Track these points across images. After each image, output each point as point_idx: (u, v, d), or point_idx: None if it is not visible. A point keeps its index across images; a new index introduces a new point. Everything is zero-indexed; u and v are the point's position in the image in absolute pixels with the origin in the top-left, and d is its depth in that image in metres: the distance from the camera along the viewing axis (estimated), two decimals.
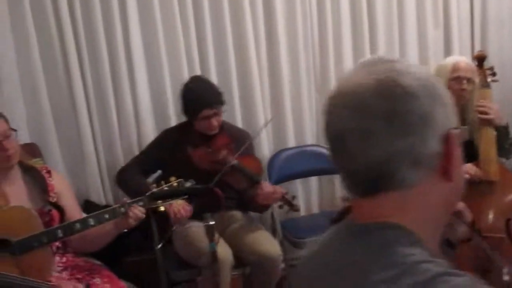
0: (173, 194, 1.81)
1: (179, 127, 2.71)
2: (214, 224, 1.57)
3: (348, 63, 3.12)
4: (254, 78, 3.00)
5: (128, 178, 2.55)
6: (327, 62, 3.12)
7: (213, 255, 1.60)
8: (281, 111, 3.08)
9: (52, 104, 2.78)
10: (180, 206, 2.36)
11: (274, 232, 2.77)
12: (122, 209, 1.96)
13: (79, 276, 1.99)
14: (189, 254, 2.41)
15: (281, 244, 2.58)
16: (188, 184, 2.07)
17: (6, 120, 1.99)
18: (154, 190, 2.03)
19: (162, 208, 2.06)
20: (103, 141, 2.88)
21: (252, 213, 2.72)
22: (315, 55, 3.13)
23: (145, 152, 2.67)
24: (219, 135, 2.56)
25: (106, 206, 2.91)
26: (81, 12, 2.73)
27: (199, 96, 2.50)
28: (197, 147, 2.51)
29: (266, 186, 2.43)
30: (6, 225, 1.82)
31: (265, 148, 3.03)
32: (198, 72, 2.94)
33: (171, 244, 2.54)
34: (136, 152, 2.88)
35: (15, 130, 2.00)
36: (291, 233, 2.72)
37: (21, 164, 2.06)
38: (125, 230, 2.05)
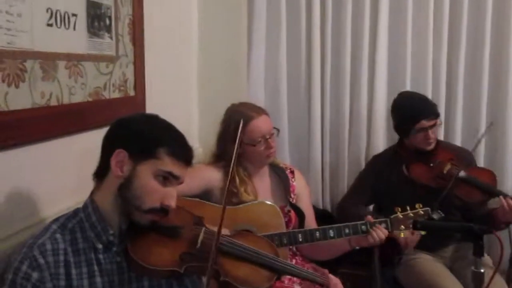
0: (433, 227, 1.64)
1: (389, 150, 2.55)
2: (484, 272, 1.36)
3: None
4: (508, 108, 2.63)
5: (349, 211, 2.42)
6: None
7: None
8: None
9: (289, 99, 2.83)
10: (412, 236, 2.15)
11: (509, 281, 2.41)
12: (363, 227, 1.87)
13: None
14: (417, 286, 2.23)
15: None
16: (435, 216, 1.88)
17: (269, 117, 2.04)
18: (399, 215, 1.89)
19: (402, 235, 1.91)
20: (331, 143, 2.84)
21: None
22: None
23: (358, 181, 2.55)
24: (440, 150, 2.36)
25: (323, 210, 2.89)
26: (332, 6, 2.73)
27: (416, 106, 2.33)
28: (415, 165, 2.33)
29: (508, 197, 2.12)
30: (253, 217, 1.86)
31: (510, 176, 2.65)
32: (443, 82, 2.71)
33: (391, 266, 2.40)
34: (362, 162, 2.80)
35: (278, 130, 2.05)
36: None
37: (270, 162, 2.10)
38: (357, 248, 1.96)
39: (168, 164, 1.25)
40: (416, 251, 2.30)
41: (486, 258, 2.20)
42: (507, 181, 2.66)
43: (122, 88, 1.91)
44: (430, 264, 2.25)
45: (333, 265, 2.54)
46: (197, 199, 1.87)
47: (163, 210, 1.26)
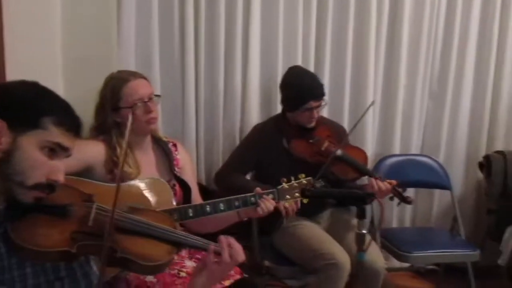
0: (322, 195, 1.71)
1: (270, 121, 2.61)
2: (366, 233, 1.48)
3: (469, 75, 3.01)
4: (368, 78, 2.88)
5: (232, 178, 2.43)
6: (446, 72, 3.01)
7: (360, 265, 1.51)
8: (391, 115, 2.96)
9: (162, 71, 2.70)
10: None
11: None
12: (253, 199, 1.88)
13: (198, 256, 1.93)
14: (299, 253, 2.33)
15: None
16: (318, 185, 1.97)
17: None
18: (285, 185, 1.94)
19: (287, 204, 1.97)
20: (206, 117, 2.79)
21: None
22: (435, 62, 3.02)
23: (240, 150, 2.56)
24: (319, 127, 2.48)
25: (198, 184, 2.85)
26: None
27: (306, 87, 2.41)
28: (295, 140, 2.43)
29: (377, 178, 2.30)
30: (142, 195, 1.75)
31: (368, 151, 2.91)
32: (311, 63, 2.84)
33: (269, 236, 2.47)
34: (237, 135, 2.82)
35: (159, 96, 1.97)
36: (394, 244, 2.60)
37: (152, 135, 2.00)
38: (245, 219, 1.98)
39: (56, 134, 1.12)
40: (296, 218, 2.39)
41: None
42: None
43: None
44: (310, 230, 2.37)
45: (210, 238, 2.55)
46: (76, 177, 1.70)
47: (50, 186, 1.13)
